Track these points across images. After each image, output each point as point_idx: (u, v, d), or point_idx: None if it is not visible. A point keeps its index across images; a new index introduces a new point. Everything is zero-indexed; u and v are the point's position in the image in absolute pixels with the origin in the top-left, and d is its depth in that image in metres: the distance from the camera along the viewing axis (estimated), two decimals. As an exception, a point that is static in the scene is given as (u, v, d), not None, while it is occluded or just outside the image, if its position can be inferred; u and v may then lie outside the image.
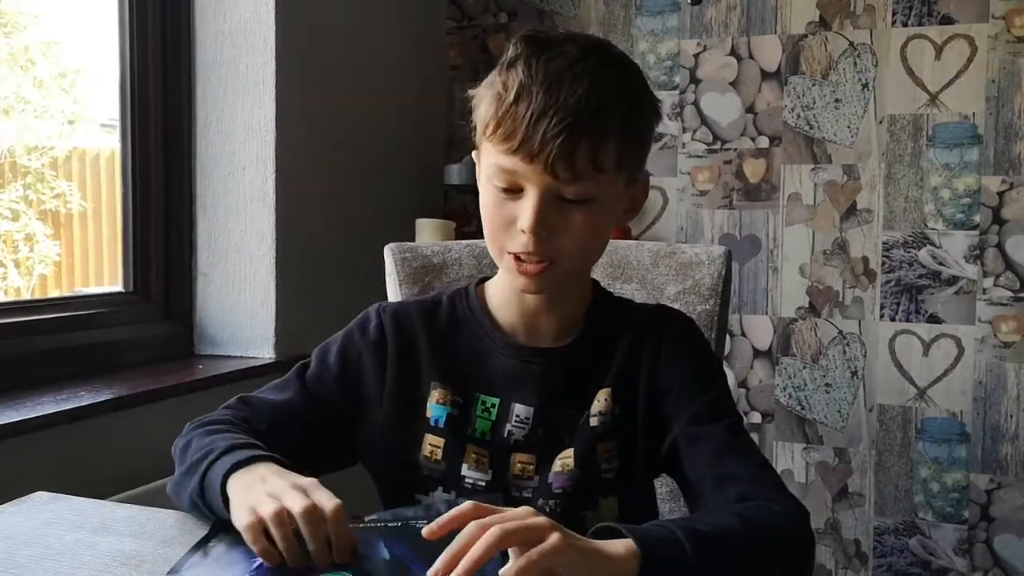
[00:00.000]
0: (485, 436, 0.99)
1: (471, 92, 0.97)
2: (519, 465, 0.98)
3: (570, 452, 0.97)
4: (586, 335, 1.02)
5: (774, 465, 2.44)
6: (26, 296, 2.29)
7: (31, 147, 2.28)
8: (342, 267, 2.12)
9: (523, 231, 0.90)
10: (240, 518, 0.78)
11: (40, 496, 1.00)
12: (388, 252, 1.40)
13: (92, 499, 1.01)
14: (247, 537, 0.76)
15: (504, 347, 1.01)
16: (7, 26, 2.28)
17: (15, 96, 2.27)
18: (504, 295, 1.03)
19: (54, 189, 2.30)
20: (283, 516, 0.75)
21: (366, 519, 0.84)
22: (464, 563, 0.66)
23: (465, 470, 0.98)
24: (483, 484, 0.97)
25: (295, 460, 0.96)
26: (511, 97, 0.89)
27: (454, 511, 0.70)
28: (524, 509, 0.71)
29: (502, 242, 0.94)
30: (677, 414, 0.97)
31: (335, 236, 2.14)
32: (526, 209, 0.90)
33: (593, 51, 0.93)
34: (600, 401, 0.98)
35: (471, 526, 0.68)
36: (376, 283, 1.39)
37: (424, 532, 0.70)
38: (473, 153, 1.02)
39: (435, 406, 0.99)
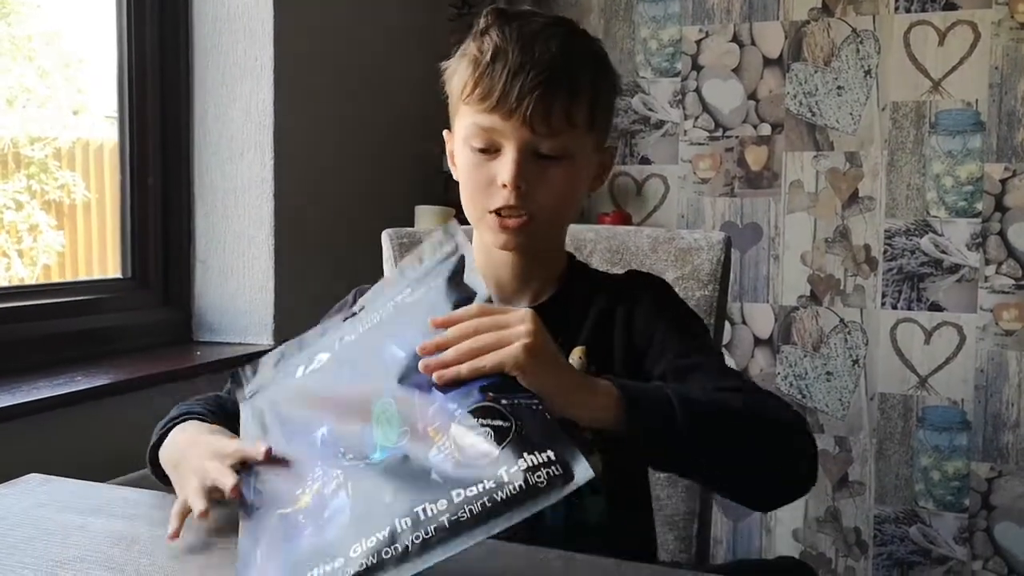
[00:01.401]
0: None
1: (443, 65, 1.02)
2: None
3: None
4: (559, 296, 1.04)
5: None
6: (29, 287, 2.28)
7: (34, 137, 2.28)
8: (341, 253, 2.12)
9: (503, 185, 0.94)
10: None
11: (33, 478, 1.00)
12: (385, 237, 1.39)
13: (85, 481, 1.01)
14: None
15: None
16: (8, 16, 2.27)
17: (19, 86, 2.26)
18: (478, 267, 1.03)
19: (58, 180, 2.29)
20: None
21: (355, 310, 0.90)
22: (437, 360, 0.73)
23: None
24: None
25: None
26: (487, 58, 0.94)
27: (464, 309, 0.77)
28: (521, 314, 0.76)
29: (482, 202, 0.97)
30: (662, 358, 0.98)
31: (334, 222, 2.13)
32: (505, 164, 0.94)
33: (561, 22, 0.99)
34: (573, 359, 1.00)
35: (463, 326, 0.75)
36: (375, 269, 1.39)
37: (430, 321, 0.76)
38: (444, 133, 1.06)
39: None
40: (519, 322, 0.74)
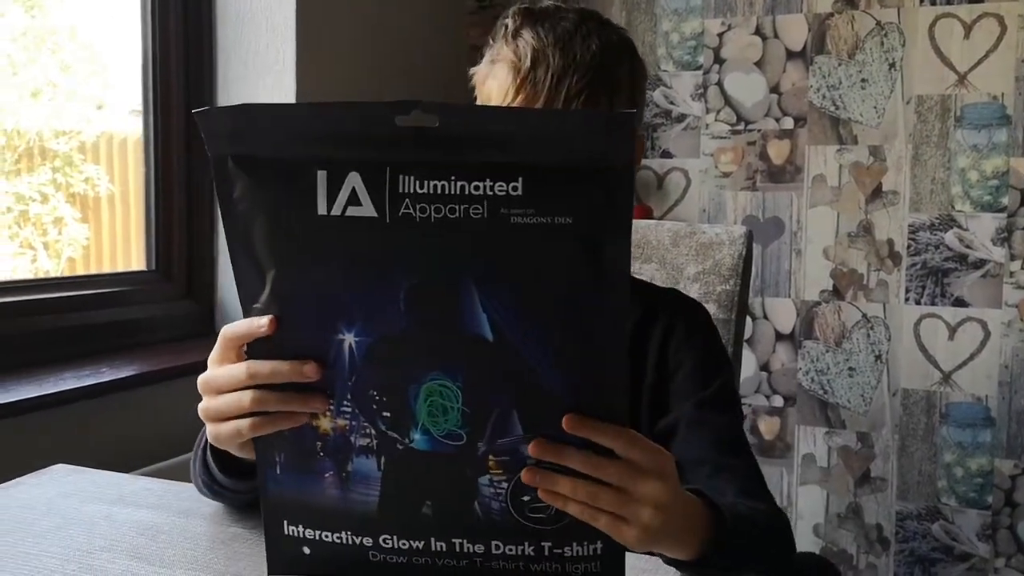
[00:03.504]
0: None
1: (472, 70, 1.00)
2: None
3: None
4: None
5: (796, 449, 2.44)
6: (54, 279, 2.31)
7: (59, 131, 2.29)
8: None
9: None
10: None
11: (59, 468, 1.01)
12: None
13: (111, 471, 1.02)
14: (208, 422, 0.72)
15: None
16: (32, 9, 2.29)
17: (43, 79, 2.28)
18: None
19: (82, 173, 2.31)
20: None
21: None
22: (544, 488, 0.62)
23: None
24: None
25: None
26: (527, 63, 0.92)
27: (612, 429, 0.61)
28: (657, 472, 0.64)
29: None
30: (683, 395, 0.98)
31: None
32: None
33: (590, 16, 0.98)
34: None
35: (593, 466, 0.61)
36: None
37: (565, 422, 0.59)
38: None
39: None
40: (651, 487, 0.63)
